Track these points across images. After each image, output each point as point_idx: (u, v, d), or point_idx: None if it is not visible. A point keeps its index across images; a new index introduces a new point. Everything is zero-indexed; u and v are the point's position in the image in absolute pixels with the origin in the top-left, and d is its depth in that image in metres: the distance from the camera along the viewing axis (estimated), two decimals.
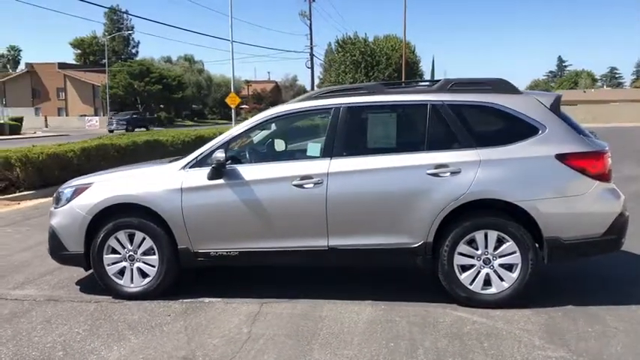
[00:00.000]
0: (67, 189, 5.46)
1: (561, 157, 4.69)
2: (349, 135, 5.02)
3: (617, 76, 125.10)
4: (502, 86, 5.02)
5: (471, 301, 4.81)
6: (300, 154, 5.24)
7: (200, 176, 5.06)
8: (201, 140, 16.23)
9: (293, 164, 5.07)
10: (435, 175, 4.76)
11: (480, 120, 4.99)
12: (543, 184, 4.70)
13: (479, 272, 4.81)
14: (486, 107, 4.92)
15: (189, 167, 5.15)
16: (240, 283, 5.71)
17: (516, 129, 4.85)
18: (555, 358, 3.89)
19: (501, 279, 4.78)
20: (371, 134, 5.26)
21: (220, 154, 4.92)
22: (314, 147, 5.08)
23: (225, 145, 5.13)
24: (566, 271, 5.78)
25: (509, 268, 4.77)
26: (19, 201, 11.28)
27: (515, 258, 4.73)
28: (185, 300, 5.17)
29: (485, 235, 4.76)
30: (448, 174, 4.75)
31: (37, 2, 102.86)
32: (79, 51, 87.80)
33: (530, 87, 78.35)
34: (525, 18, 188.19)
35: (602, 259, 5.96)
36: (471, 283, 4.81)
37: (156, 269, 5.17)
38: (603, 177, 4.73)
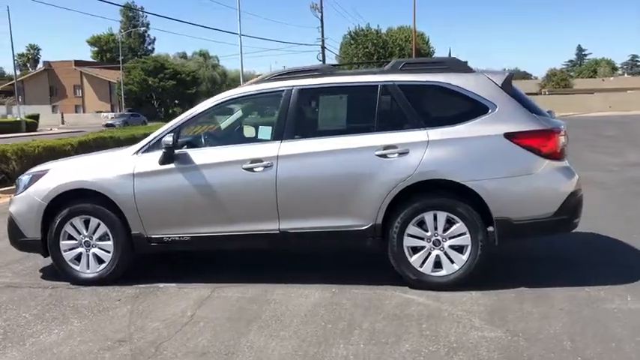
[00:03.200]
0: (25, 176, 5.51)
1: (510, 136, 4.60)
2: (299, 117, 4.98)
3: (638, 63, 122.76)
4: (454, 65, 4.94)
5: (422, 283, 4.74)
6: (252, 138, 5.20)
7: (152, 161, 5.05)
8: None
9: (244, 148, 5.05)
10: (384, 156, 4.70)
11: (430, 100, 4.92)
12: (491, 164, 4.61)
13: (429, 254, 4.74)
14: (436, 87, 4.84)
15: (142, 152, 5.15)
16: (198, 268, 5.70)
17: (466, 108, 4.77)
18: (490, 338, 3.81)
19: (452, 261, 4.70)
20: (322, 116, 5.21)
21: (169, 139, 4.91)
22: (265, 130, 5.04)
23: (177, 130, 5.11)
24: (527, 253, 5.70)
25: (459, 249, 4.69)
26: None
27: (465, 239, 4.66)
28: (140, 285, 5.17)
29: (435, 217, 4.69)
30: (396, 155, 4.68)
31: (55, 2, 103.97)
32: (96, 48, 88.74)
33: (547, 76, 77.07)
34: (545, 7, 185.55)
35: (571, 240, 5.91)
36: (421, 265, 4.75)
37: (111, 255, 5.19)
38: (554, 156, 4.63)
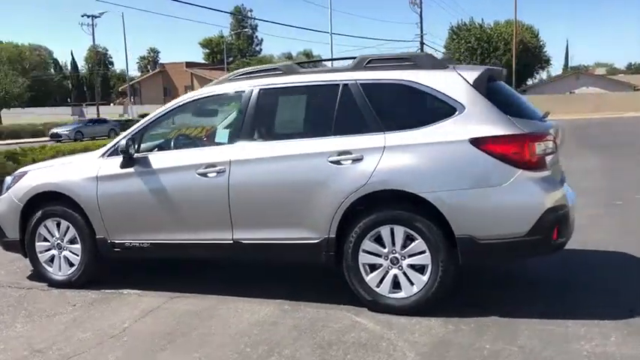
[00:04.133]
0: (9, 177, 5.61)
1: (476, 142, 3.98)
2: (257, 120, 4.64)
3: None
4: (424, 61, 4.37)
5: (378, 305, 4.25)
6: (210, 141, 4.94)
7: (115, 165, 4.94)
8: None
9: (200, 152, 4.81)
10: (337, 162, 4.25)
11: (392, 100, 4.38)
12: (454, 174, 4.01)
13: (386, 273, 4.23)
14: (401, 85, 4.30)
15: (108, 155, 5.05)
16: (172, 275, 5.51)
17: (432, 110, 4.21)
18: None
19: (411, 282, 4.17)
20: (280, 119, 4.83)
21: (123, 142, 4.78)
22: (222, 133, 4.77)
23: (138, 133, 4.96)
24: (520, 275, 5.02)
25: (420, 270, 4.14)
26: None
27: (425, 258, 4.10)
28: (107, 290, 5.09)
29: (392, 231, 4.17)
30: (350, 162, 4.22)
31: (172, 12, 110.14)
32: (207, 50, 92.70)
33: None
34: None
35: (577, 260, 5.15)
36: (377, 285, 4.25)
37: (79, 258, 5.15)
38: (529, 165, 3.94)
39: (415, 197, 4.05)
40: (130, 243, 4.94)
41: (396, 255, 4.18)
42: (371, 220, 4.19)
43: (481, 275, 5.06)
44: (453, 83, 4.18)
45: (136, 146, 4.89)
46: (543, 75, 67.49)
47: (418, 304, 4.13)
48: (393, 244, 4.18)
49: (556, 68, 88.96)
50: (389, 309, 4.21)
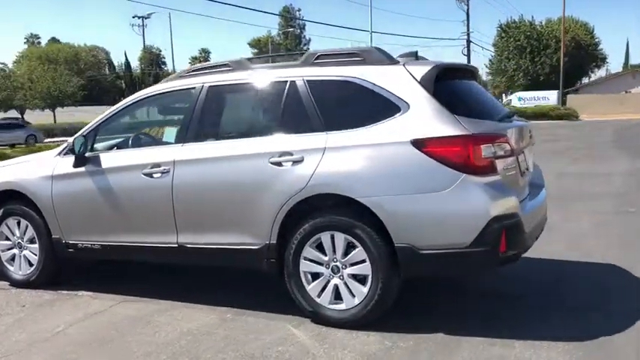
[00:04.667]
0: None
1: (418, 144, 3.65)
2: (203, 118, 4.44)
3: None
4: (372, 57, 4.07)
5: (318, 316, 3.98)
6: (159, 140, 4.77)
7: (68, 164, 4.84)
8: None
9: (147, 151, 4.65)
10: (278, 164, 4.00)
11: (337, 98, 4.10)
12: (394, 177, 3.70)
13: (328, 282, 3.96)
14: (345, 82, 4.02)
15: (64, 154, 4.96)
16: (135, 278, 5.38)
17: (376, 108, 3.90)
18: None
19: (352, 293, 3.88)
20: (226, 117, 4.61)
21: (71, 140, 4.67)
22: (170, 132, 4.59)
23: (92, 132, 4.85)
24: (473, 286, 4.63)
25: (362, 280, 3.85)
26: None
27: (366, 268, 3.81)
28: (63, 291, 5.01)
29: (332, 238, 3.90)
30: (290, 163, 3.97)
31: (222, 14, 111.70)
32: (255, 50, 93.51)
33: None
34: None
35: (560, 271, 4.74)
36: (318, 295, 3.98)
37: (37, 258, 5.08)
38: (474, 169, 3.58)
39: (355, 202, 3.76)
40: (82, 244, 4.84)
41: (337, 264, 3.91)
42: (311, 226, 3.93)
43: (434, 286, 4.71)
44: (399, 80, 3.87)
45: (89, 145, 4.79)
46: (601, 73, 64.83)
47: (357, 317, 3.85)
48: (334, 251, 3.91)
49: (615, 67, 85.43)
50: (329, 321, 3.94)
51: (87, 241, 4.80)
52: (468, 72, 4.51)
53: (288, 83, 4.17)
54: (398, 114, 3.78)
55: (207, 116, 4.45)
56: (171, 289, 4.90)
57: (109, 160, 4.70)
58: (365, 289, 3.82)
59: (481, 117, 3.86)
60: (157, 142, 4.72)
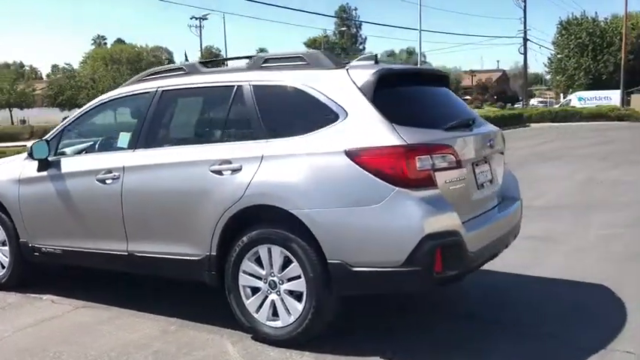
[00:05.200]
0: None
1: (351, 154, 3.40)
2: (154, 124, 4.33)
3: None
4: (318, 61, 3.84)
5: (256, 333, 3.80)
6: (114, 145, 4.68)
7: (34, 168, 4.85)
8: None
9: (102, 156, 4.59)
10: (218, 172, 3.84)
11: (279, 104, 3.89)
12: (328, 189, 3.47)
13: (266, 298, 3.77)
14: (287, 88, 3.81)
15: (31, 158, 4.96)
16: (102, 283, 5.33)
17: (315, 115, 3.67)
18: None
19: (288, 310, 3.68)
20: (175, 123, 4.48)
21: (29, 145, 4.67)
22: (124, 137, 4.50)
23: (56, 136, 4.85)
24: (419, 303, 4.31)
25: (298, 296, 3.64)
26: None
27: (301, 284, 3.59)
28: (31, 294, 5.03)
29: (270, 252, 3.71)
30: (229, 172, 3.80)
31: (279, 16, 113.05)
32: (311, 50, 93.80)
33: None
34: None
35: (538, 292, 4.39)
36: (257, 311, 3.79)
37: (8, 261, 5.12)
38: (408, 182, 3.30)
39: (289, 215, 3.55)
40: (46, 248, 4.83)
41: (275, 278, 3.71)
42: (249, 239, 3.74)
43: (383, 303, 4.42)
44: (340, 86, 3.64)
45: (54, 149, 4.78)
46: None
47: (292, 335, 3.64)
48: (272, 266, 3.71)
49: None
50: (267, 338, 3.75)
51: (50, 246, 4.79)
52: (430, 77, 4.22)
53: (235, 88, 4.00)
54: (336, 122, 3.55)
55: (159, 121, 4.34)
56: (135, 296, 4.84)
57: (69, 164, 4.67)
58: (300, 307, 3.61)
59: (427, 125, 3.57)
60: (114, 147, 4.64)
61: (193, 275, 4.07)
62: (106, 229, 4.41)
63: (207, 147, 4.00)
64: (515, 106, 70.62)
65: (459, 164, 3.53)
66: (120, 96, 4.69)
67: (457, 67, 78.56)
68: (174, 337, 3.95)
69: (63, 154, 4.82)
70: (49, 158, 4.74)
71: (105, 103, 4.77)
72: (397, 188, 3.28)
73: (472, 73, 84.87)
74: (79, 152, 4.92)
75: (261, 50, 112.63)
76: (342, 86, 3.62)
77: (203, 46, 72.10)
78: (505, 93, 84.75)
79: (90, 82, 56.78)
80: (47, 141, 4.78)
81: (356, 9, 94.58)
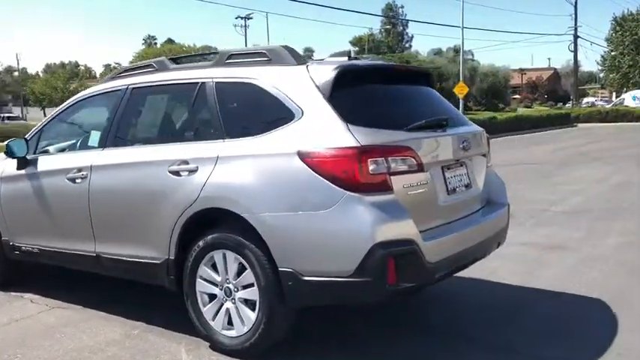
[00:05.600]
0: None
1: (303, 155, 3.19)
2: (122, 122, 4.22)
3: None
4: (279, 57, 3.63)
5: (212, 342, 3.63)
6: (86, 144, 4.58)
7: (14, 165, 4.82)
8: None
9: (74, 155, 4.51)
10: (176, 173, 3.68)
11: (239, 102, 3.71)
12: (279, 193, 3.26)
13: (222, 305, 3.59)
14: (247, 85, 3.61)
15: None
16: (87, 283, 5.26)
17: (272, 114, 3.46)
18: None
19: (242, 319, 3.49)
20: (142, 121, 4.35)
21: (6, 143, 4.64)
22: (95, 135, 4.40)
23: (36, 134, 4.81)
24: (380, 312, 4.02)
25: (253, 305, 3.44)
26: None
27: (254, 292, 3.40)
28: (13, 293, 5.02)
29: (225, 257, 3.53)
30: (186, 173, 3.64)
31: (322, 15, 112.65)
32: (357, 48, 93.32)
33: None
34: None
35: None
36: (213, 319, 3.62)
37: None
38: (359, 186, 3.05)
39: (242, 219, 3.36)
40: (25, 247, 4.79)
41: (230, 285, 3.53)
42: (204, 243, 3.57)
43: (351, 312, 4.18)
44: (298, 83, 3.42)
45: (33, 147, 4.75)
46: None
47: (245, 346, 3.44)
48: (227, 272, 3.53)
49: None
50: (222, 348, 3.57)
51: (28, 244, 4.75)
52: (406, 74, 3.95)
53: (198, 85, 3.84)
54: (291, 121, 3.34)
55: (126, 120, 4.24)
56: (116, 297, 4.75)
57: (45, 163, 4.62)
58: (253, 316, 3.41)
59: (389, 126, 3.31)
60: (87, 146, 4.55)
61: (155, 279, 3.94)
62: (75, 228, 4.33)
63: (167, 146, 3.86)
64: (567, 105, 68.46)
65: (420, 167, 3.26)
66: (95, 93, 4.61)
67: (506, 65, 76.38)
68: (133, 343, 3.83)
69: (46, 152, 4.77)
70: (28, 157, 4.70)
71: (81, 100, 4.70)
72: (348, 193, 3.05)
73: (522, 71, 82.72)
74: (62, 150, 4.86)
75: (307, 50, 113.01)
76: (300, 84, 3.40)
77: (249, 45, 72.71)
78: (556, 92, 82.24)
79: None
80: (26, 140, 4.74)
81: (402, 7, 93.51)
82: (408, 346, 3.63)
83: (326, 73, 3.36)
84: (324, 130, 3.21)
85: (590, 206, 8.07)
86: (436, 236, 3.27)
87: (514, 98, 78.35)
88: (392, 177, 3.12)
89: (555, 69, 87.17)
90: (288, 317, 3.40)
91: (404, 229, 3.08)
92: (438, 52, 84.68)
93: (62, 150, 4.82)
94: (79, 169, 4.26)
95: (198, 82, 3.86)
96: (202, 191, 3.51)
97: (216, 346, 3.60)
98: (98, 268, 4.32)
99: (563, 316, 4.03)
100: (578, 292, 4.44)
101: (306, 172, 3.16)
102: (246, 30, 63.12)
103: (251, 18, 64.37)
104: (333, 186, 3.08)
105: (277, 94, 3.44)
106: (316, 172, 3.13)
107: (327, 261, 3.12)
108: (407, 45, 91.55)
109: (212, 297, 3.63)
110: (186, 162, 3.64)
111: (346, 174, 3.06)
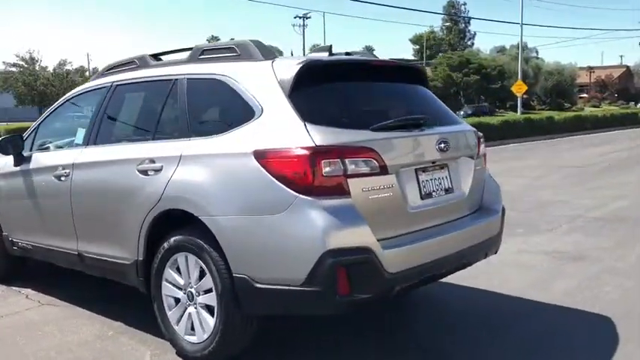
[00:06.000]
0: None
1: (258, 156, 3.01)
2: (105, 119, 4.18)
3: None
4: (247, 52, 3.45)
5: (176, 346, 3.51)
6: (73, 142, 4.55)
7: (12, 162, 4.87)
8: None
9: (61, 153, 4.49)
10: (144, 172, 3.58)
11: (206, 99, 3.56)
12: (235, 194, 3.09)
13: (185, 310, 3.47)
14: (213, 81, 3.46)
15: None
16: (83, 280, 5.26)
17: (234, 112, 3.30)
18: None
19: (202, 325, 3.35)
20: (122, 119, 4.25)
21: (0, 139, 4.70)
22: (80, 133, 4.37)
23: (33, 131, 4.84)
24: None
25: (212, 311, 3.30)
26: None
27: (213, 298, 3.25)
28: (14, 287, 5.09)
29: (187, 260, 3.40)
30: (153, 172, 3.53)
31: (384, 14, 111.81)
32: (417, 46, 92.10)
33: None
34: None
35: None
36: (177, 323, 3.50)
37: None
38: (311, 189, 2.83)
39: (200, 221, 3.23)
40: (21, 242, 4.84)
41: (192, 290, 3.40)
42: (168, 245, 3.45)
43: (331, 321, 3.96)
44: (261, 80, 3.24)
45: (30, 144, 4.78)
46: None
47: (205, 353, 3.30)
48: (189, 276, 3.40)
49: None
50: (184, 354, 3.45)
51: (23, 240, 4.80)
52: (385, 69, 3.69)
53: (172, 82, 3.73)
54: (251, 119, 3.16)
55: (108, 117, 4.18)
56: (110, 295, 4.70)
57: (37, 160, 4.64)
58: (212, 323, 3.27)
59: (352, 125, 3.08)
60: (72, 143, 4.53)
61: (127, 280, 3.86)
62: (61, 226, 4.32)
63: (138, 145, 3.78)
64: (638, 105, 65.18)
65: (383, 170, 3.01)
66: (84, 91, 4.60)
67: (572, 62, 73.51)
68: (103, 345, 3.76)
69: (40, 149, 4.78)
70: (24, 154, 4.74)
71: (73, 97, 4.70)
72: (300, 196, 2.85)
73: (590, 69, 79.45)
74: (55, 148, 4.87)
75: (367, 48, 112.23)
76: (263, 80, 3.22)
77: (310, 45, 72.98)
78: (627, 90, 78.50)
79: None
80: (22, 137, 4.79)
81: (465, 4, 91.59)
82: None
83: (289, 69, 3.16)
84: (281, 129, 3.02)
85: (629, 214, 7.49)
86: (400, 244, 3.01)
87: (581, 97, 75.31)
88: (349, 180, 2.89)
89: (628, 67, 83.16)
90: (247, 325, 3.23)
91: (358, 236, 2.84)
92: (501, 50, 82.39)
93: (56, 147, 4.82)
94: (64, 167, 4.24)
95: (172, 79, 3.75)
96: (165, 192, 3.39)
97: (179, 351, 3.48)
98: (82, 266, 4.29)
99: (557, 333, 3.68)
100: (584, 307, 4.06)
101: (260, 174, 2.98)
102: (304, 30, 63.36)
103: (309, 17, 64.65)
104: (286, 188, 2.88)
105: (240, 90, 3.28)
106: (270, 174, 2.95)
107: (279, 268, 2.93)
108: (469, 42, 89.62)
109: (177, 301, 3.51)
110: (153, 161, 3.54)
111: (299, 176, 2.86)
